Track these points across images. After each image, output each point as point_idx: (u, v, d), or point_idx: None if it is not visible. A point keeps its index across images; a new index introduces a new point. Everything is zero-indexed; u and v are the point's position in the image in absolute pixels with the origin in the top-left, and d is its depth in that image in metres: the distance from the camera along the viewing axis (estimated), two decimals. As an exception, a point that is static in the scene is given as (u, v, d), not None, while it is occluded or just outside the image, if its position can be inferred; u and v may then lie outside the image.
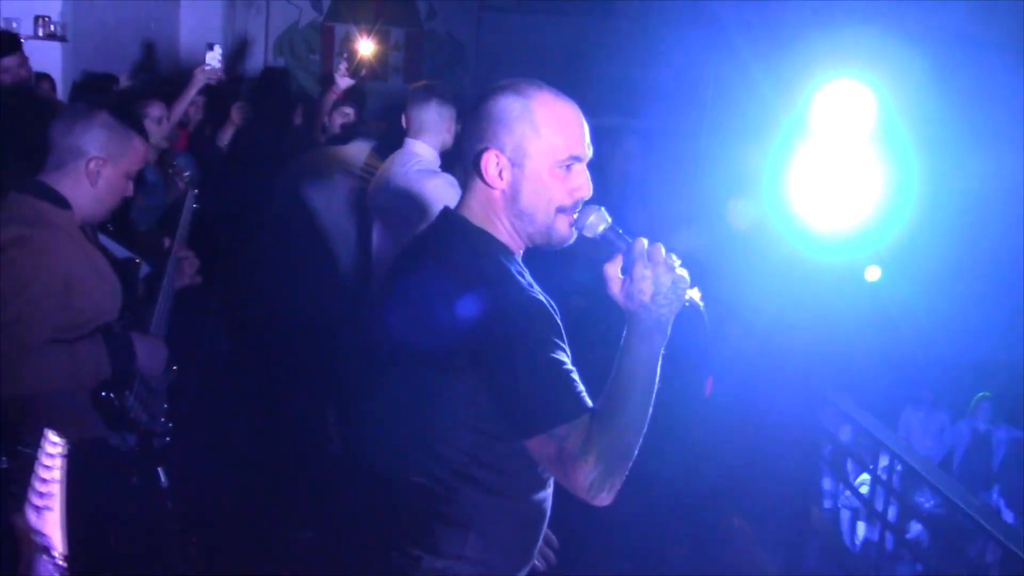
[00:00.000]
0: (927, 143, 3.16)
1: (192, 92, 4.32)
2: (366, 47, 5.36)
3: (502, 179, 1.72)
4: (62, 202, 2.43)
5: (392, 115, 4.25)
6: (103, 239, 2.70)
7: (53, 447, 1.49)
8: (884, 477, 3.48)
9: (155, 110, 4.05)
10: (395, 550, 1.75)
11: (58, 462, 1.49)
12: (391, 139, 3.75)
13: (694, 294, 1.70)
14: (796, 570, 3.81)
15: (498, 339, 1.61)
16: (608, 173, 4.32)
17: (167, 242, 2.78)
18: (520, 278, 1.71)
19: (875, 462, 3.60)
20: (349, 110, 5.00)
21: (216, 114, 5.43)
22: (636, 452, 1.65)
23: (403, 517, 1.75)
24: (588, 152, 1.76)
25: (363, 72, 5.27)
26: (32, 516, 1.44)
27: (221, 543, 3.41)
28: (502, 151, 1.72)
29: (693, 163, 4.24)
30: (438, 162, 3.42)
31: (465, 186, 1.80)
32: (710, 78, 4.17)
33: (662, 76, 4.73)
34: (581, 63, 7.31)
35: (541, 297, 1.70)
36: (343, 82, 4.94)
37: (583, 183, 1.75)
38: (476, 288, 1.64)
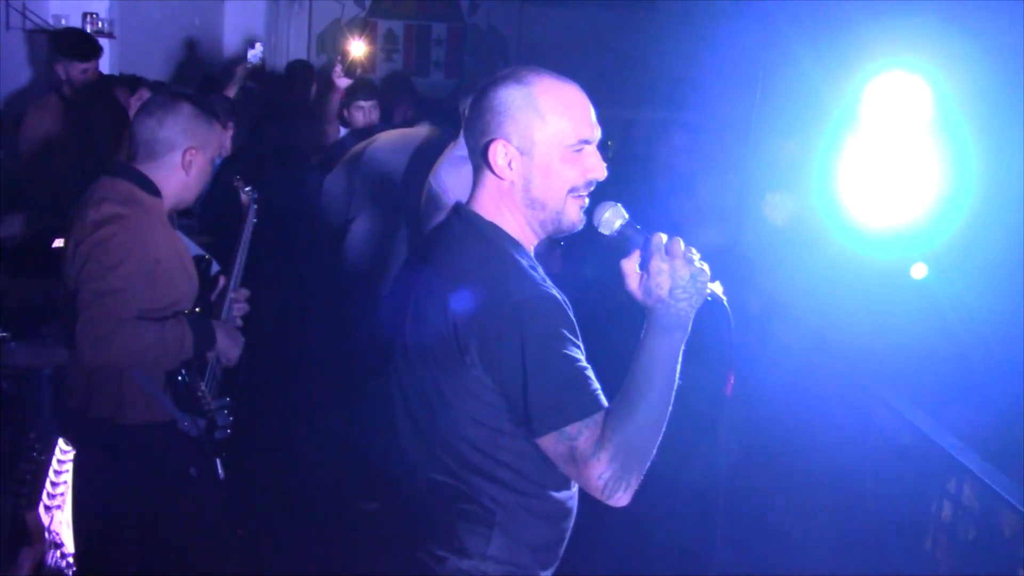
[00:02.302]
0: (986, 137, 3.06)
1: (235, 88, 4.37)
2: (358, 48, 5.48)
3: (512, 169, 1.71)
4: (153, 189, 2.55)
5: (437, 109, 4.26)
6: (180, 234, 2.78)
7: (64, 454, 1.60)
8: (954, 493, 3.36)
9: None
10: (420, 551, 1.73)
11: (68, 467, 1.59)
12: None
13: (716, 288, 1.67)
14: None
15: (507, 335, 1.59)
16: (655, 167, 4.27)
17: (222, 281, 2.81)
18: (533, 272, 1.68)
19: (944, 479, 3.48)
20: (364, 103, 5.05)
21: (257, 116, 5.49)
22: (654, 451, 1.62)
23: (426, 517, 1.74)
24: (597, 133, 1.74)
25: (358, 71, 5.37)
26: (44, 516, 1.52)
27: (267, 536, 3.43)
28: (509, 141, 1.70)
29: (741, 156, 4.17)
30: None
31: (474, 181, 1.78)
32: (758, 69, 4.09)
33: (708, 68, 4.66)
34: (625, 55, 7.26)
35: (554, 292, 1.67)
36: (340, 82, 5.04)
37: (595, 164, 1.73)
38: (486, 283, 1.63)
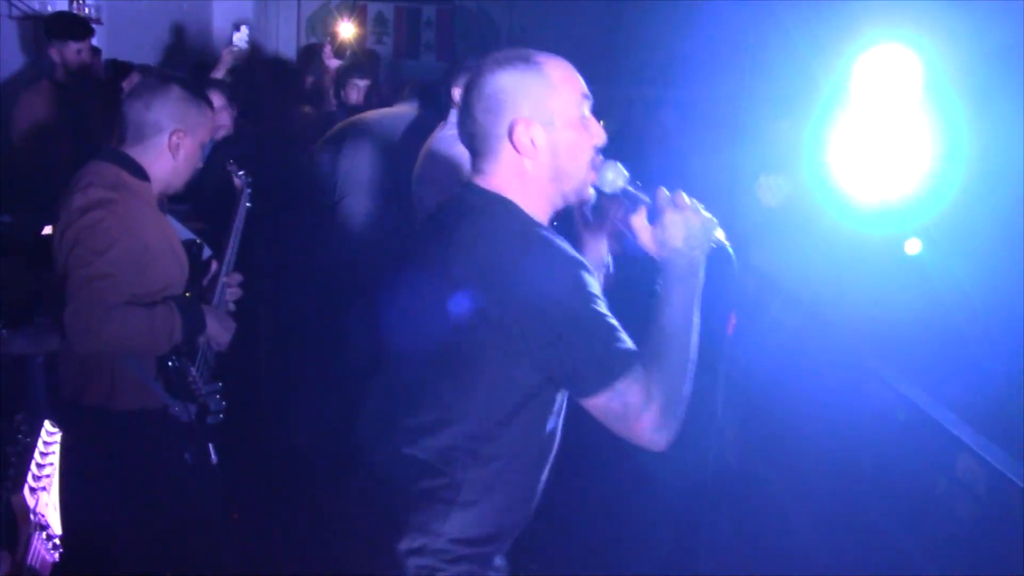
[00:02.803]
0: (978, 110, 3.05)
1: (221, 72, 4.33)
2: (347, 29, 5.50)
3: (535, 146, 1.72)
4: (141, 173, 2.54)
5: (427, 90, 4.24)
6: (170, 219, 2.75)
7: (50, 435, 1.61)
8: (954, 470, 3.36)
9: (216, 99, 4.11)
10: (383, 526, 1.75)
11: (55, 448, 1.60)
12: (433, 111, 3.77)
13: (719, 234, 1.76)
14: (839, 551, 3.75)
15: (549, 301, 1.61)
16: (645, 145, 4.26)
17: (215, 266, 2.79)
18: (556, 239, 1.71)
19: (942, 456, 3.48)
20: (359, 81, 5.06)
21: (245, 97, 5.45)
22: (687, 395, 1.68)
23: (390, 491, 1.76)
24: (591, 100, 1.79)
25: (347, 52, 5.45)
26: (30, 498, 1.53)
27: (263, 520, 3.43)
28: (530, 118, 1.71)
29: (731, 133, 4.16)
30: None
31: (482, 165, 1.78)
32: (748, 45, 4.07)
33: (698, 45, 4.64)
34: (615, 35, 7.22)
35: (579, 256, 1.71)
36: (330, 63, 5.15)
37: (598, 131, 1.79)
38: (518, 256, 1.64)
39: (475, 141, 1.77)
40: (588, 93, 1.79)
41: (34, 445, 1.57)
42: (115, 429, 2.58)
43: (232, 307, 2.82)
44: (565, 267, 1.66)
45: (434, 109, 3.80)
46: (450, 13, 8.21)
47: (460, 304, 1.64)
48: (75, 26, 4.27)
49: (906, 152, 3.29)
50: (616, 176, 1.78)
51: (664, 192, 1.75)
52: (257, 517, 3.43)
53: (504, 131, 1.73)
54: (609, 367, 1.63)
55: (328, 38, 5.44)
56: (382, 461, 1.79)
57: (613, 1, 7.58)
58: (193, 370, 2.59)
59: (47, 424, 1.62)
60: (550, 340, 1.63)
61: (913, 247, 3.62)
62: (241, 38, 4.24)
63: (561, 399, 1.79)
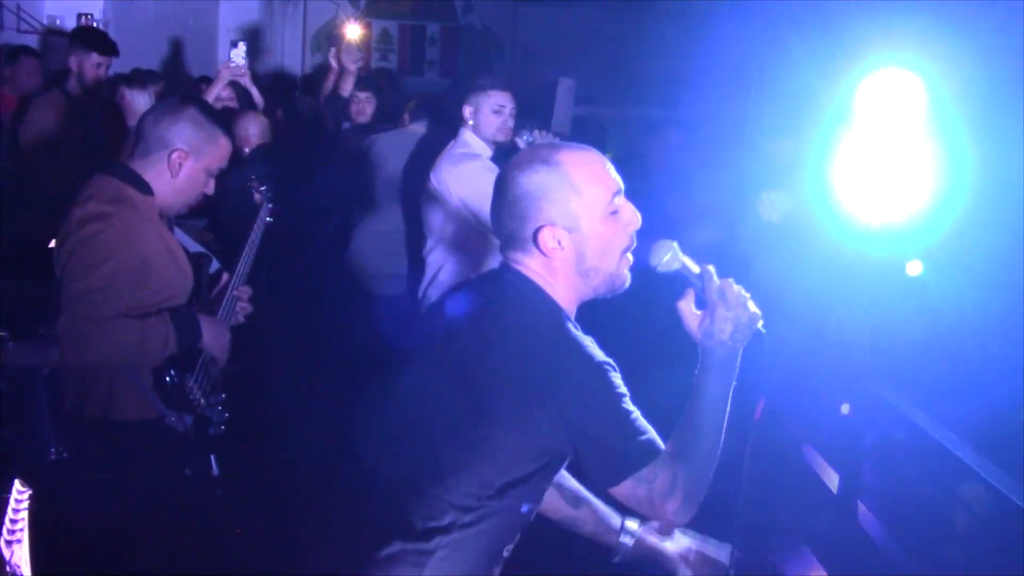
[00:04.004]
0: (981, 134, 3.07)
1: (217, 88, 4.36)
2: (353, 31, 5.58)
3: (563, 248, 1.76)
4: (144, 187, 2.53)
5: (436, 109, 4.28)
6: (177, 232, 2.76)
7: (21, 494, 1.67)
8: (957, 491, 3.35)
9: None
10: (370, 556, 1.78)
11: (25, 504, 1.66)
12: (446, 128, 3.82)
13: (759, 324, 1.79)
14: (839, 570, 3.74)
15: (580, 400, 1.68)
16: (650, 165, 4.29)
17: (224, 278, 2.80)
18: (587, 339, 1.75)
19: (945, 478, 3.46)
20: (360, 94, 5.14)
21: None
22: (711, 476, 1.75)
23: (376, 549, 1.78)
24: (621, 184, 1.80)
25: (361, 55, 5.54)
26: (5, 550, 1.59)
27: (265, 534, 3.42)
28: (554, 224, 1.74)
29: (736, 153, 4.18)
30: (489, 152, 3.58)
31: (514, 253, 1.81)
32: (753, 66, 4.10)
33: (703, 66, 4.67)
34: (620, 55, 7.26)
35: (607, 359, 1.75)
36: (352, 66, 5.23)
37: (631, 216, 1.80)
38: (555, 351, 1.70)
39: (507, 243, 1.81)
40: (618, 183, 1.79)
41: (7, 501, 1.62)
42: (114, 439, 2.58)
43: (242, 319, 2.82)
44: (595, 370, 1.70)
45: (445, 128, 3.83)
46: (455, 31, 8.27)
47: (489, 393, 1.69)
48: (101, 40, 4.32)
49: (909, 174, 3.31)
50: (672, 259, 1.79)
51: (715, 281, 1.76)
52: (260, 530, 3.42)
53: (530, 235, 1.76)
54: (635, 458, 1.69)
55: (344, 45, 5.48)
56: (374, 494, 1.84)
57: (618, 21, 7.63)
58: (191, 381, 2.58)
59: (17, 483, 1.70)
60: (578, 437, 1.69)
61: (914, 268, 3.64)
62: (239, 54, 4.26)
63: (546, 487, 1.85)
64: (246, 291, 2.84)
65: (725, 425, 1.75)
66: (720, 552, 2.06)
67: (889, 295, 3.69)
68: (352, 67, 5.25)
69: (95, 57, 4.24)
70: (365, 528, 1.84)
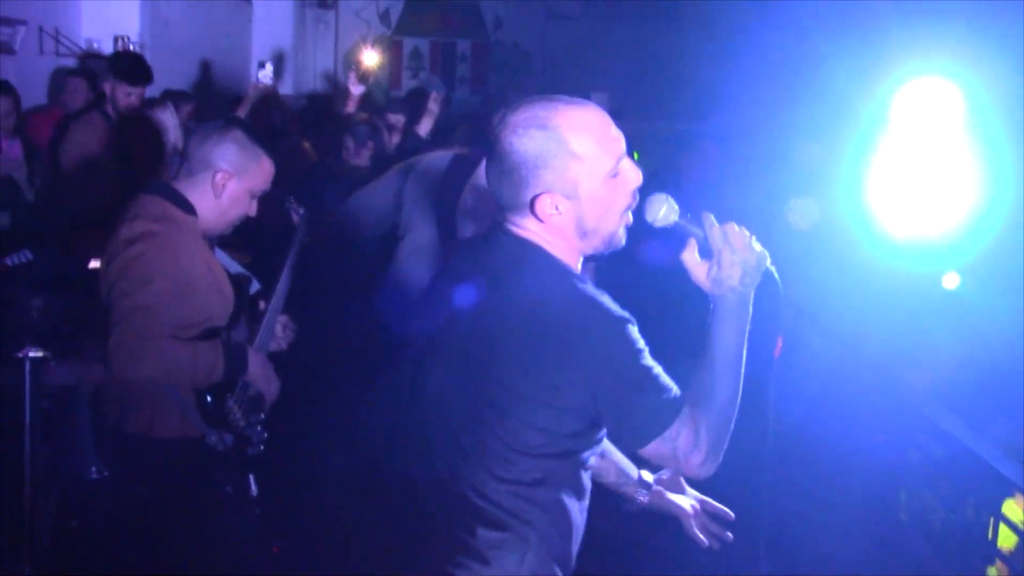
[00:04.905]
0: (1022, 143, 3.02)
1: (246, 108, 4.41)
2: (370, 58, 5.61)
3: (560, 214, 1.70)
4: (188, 207, 2.56)
5: (464, 124, 4.29)
6: (219, 253, 2.78)
7: None
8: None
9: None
10: (450, 566, 1.74)
11: None
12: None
13: (767, 263, 1.76)
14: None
15: (599, 357, 1.63)
16: (686, 179, 4.27)
17: (262, 304, 2.82)
18: (601, 296, 1.70)
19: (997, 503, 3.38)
20: (394, 117, 5.17)
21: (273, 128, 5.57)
22: (733, 422, 1.72)
23: (457, 541, 1.74)
24: (623, 143, 1.73)
25: (370, 79, 5.60)
26: None
27: (303, 553, 3.43)
28: (551, 190, 1.68)
29: (767, 162, 4.16)
30: None
31: (510, 219, 1.76)
32: (786, 77, 4.08)
33: (735, 77, 4.65)
34: (649, 69, 7.26)
35: (622, 312, 1.70)
36: (355, 89, 5.25)
37: (634, 176, 1.74)
38: (567, 312, 1.65)
39: (502, 200, 1.75)
40: (620, 144, 1.72)
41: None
42: (155, 457, 2.60)
43: (284, 346, 2.84)
44: (612, 326, 1.66)
45: (482, 143, 3.84)
46: (485, 47, 8.31)
47: (511, 367, 1.65)
48: (132, 69, 4.37)
49: (947, 186, 3.27)
50: (668, 212, 1.75)
51: (716, 227, 1.72)
52: (298, 550, 3.43)
53: (527, 201, 1.70)
54: (659, 419, 1.65)
55: (353, 67, 5.54)
56: (435, 499, 1.79)
57: (647, 34, 7.63)
58: (231, 401, 2.60)
59: None
60: (601, 398, 1.65)
61: (951, 282, 3.59)
62: (266, 75, 4.32)
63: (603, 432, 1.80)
64: (286, 323, 2.85)
65: (742, 370, 1.71)
66: (723, 508, 2.09)
67: (925, 308, 3.64)
68: (355, 90, 5.29)
69: (126, 87, 4.31)
70: (426, 533, 1.79)
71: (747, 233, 1.72)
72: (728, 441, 1.72)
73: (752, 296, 1.73)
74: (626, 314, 1.70)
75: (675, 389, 1.68)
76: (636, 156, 1.89)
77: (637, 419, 1.66)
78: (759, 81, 4.48)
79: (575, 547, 1.82)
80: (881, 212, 3.51)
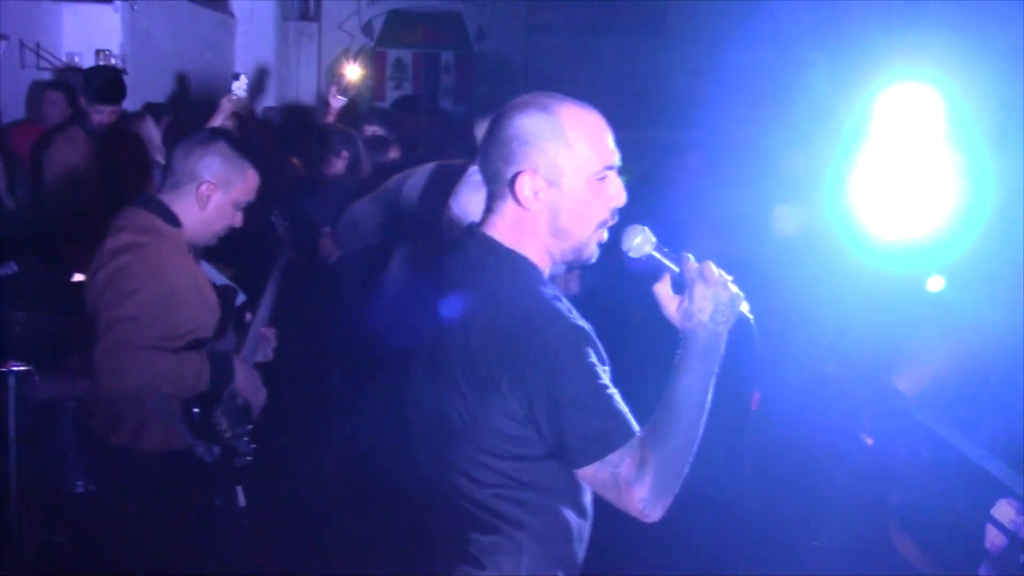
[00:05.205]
0: (1001, 147, 3.05)
1: (220, 119, 4.40)
2: (353, 71, 5.65)
3: (538, 199, 1.68)
4: (173, 219, 2.56)
5: (446, 136, 4.28)
6: (204, 265, 2.78)
7: None
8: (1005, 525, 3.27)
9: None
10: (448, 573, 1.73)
11: None
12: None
13: (744, 307, 1.71)
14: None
15: (540, 370, 1.59)
16: (670, 189, 4.28)
17: (248, 317, 2.81)
18: (559, 303, 1.68)
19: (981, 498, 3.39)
20: (378, 128, 5.18)
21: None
22: (687, 469, 1.65)
23: (451, 544, 1.73)
24: (617, 158, 1.73)
25: (352, 93, 5.65)
26: None
27: (292, 563, 3.41)
28: (536, 171, 1.67)
29: (751, 172, 4.18)
30: None
31: (489, 205, 1.76)
32: (769, 86, 4.10)
33: (717, 85, 4.68)
34: (633, 79, 7.29)
35: (581, 322, 1.67)
36: (336, 102, 5.35)
37: (617, 191, 1.72)
38: (516, 317, 1.62)
39: (489, 182, 1.75)
40: (614, 156, 1.71)
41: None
42: (142, 469, 2.59)
43: (271, 356, 2.83)
44: (562, 338, 1.61)
45: (469, 154, 3.84)
46: (468, 58, 8.33)
47: (467, 360, 1.63)
48: (105, 89, 4.36)
49: (929, 190, 3.30)
50: (644, 242, 1.71)
51: (692, 262, 1.69)
52: (287, 561, 3.41)
53: (509, 177, 1.69)
54: (600, 440, 1.59)
55: (335, 79, 5.57)
56: (427, 508, 1.78)
57: (629, 44, 7.67)
58: (218, 411, 2.59)
59: None
60: (543, 411, 1.60)
61: (936, 284, 3.61)
62: (240, 87, 4.31)
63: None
64: (271, 334, 2.85)
65: (705, 417, 1.65)
66: None
67: (910, 311, 3.66)
68: (335, 103, 5.36)
69: (99, 106, 4.32)
70: (422, 540, 1.79)
71: (724, 274, 1.69)
72: (675, 493, 1.63)
73: (725, 338, 1.68)
74: (585, 325, 1.66)
75: (626, 416, 1.62)
76: (624, 179, 1.88)
77: (575, 437, 1.59)
78: (742, 91, 4.51)
79: (579, 547, 1.79)
80: (866, 217, 3.53)
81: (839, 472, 3.83)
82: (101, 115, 4.35)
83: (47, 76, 5.81)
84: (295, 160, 5.01)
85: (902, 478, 3.73)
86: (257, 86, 7.43)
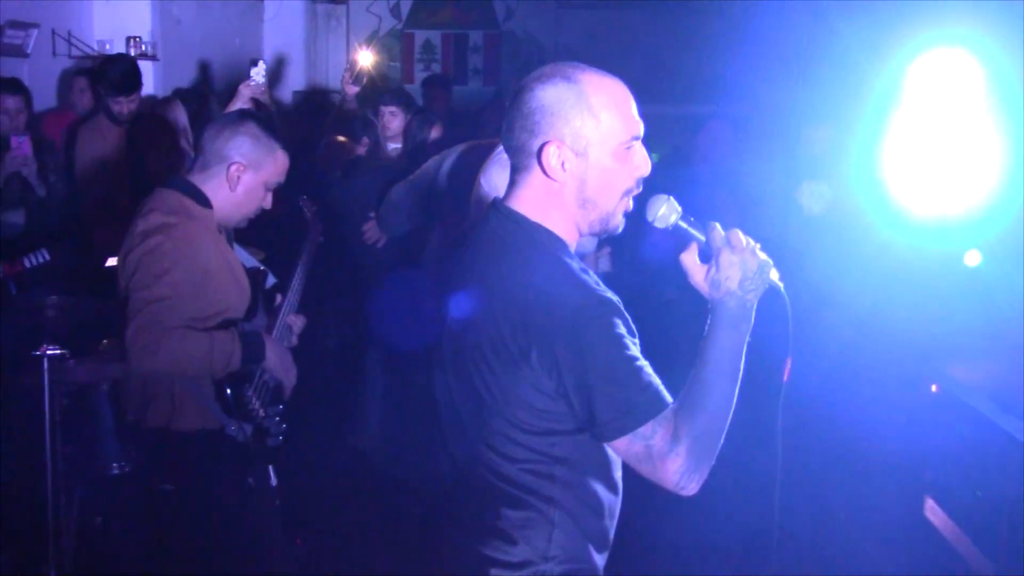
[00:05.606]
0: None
1: (238, 105, 4.40)
2: (365, 57, 5.63)
3: (565, 170, 1.67)
4: (204, 200, 2.58)
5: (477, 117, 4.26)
6: (236, 248, 2.80)
7: None
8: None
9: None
10: (481, 551, 1.73)
11: None
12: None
13: (774, 275, 1.68)
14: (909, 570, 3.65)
15: (569, 343, 1.58)
16: (696, 160, 4.24)
17: (278, 299, 2.82)
18: (586, 275, 1.67)
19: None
20: (385, 108, 5.21)
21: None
22: (722, 440, 1.63)
23: (482, 521, 1.73)
24: (642, 128, 1.71)
25: (365, 79, 5.58)
26: None
27: (324, 544, 3.44)
28: (563, 142, 1.66)
29: (783, 144, 4.11)
30: None
31: (515, 179, 1.74)
32: (798, 53, 4.02)
33: (747, 58, 4.60)
34: (662, 53, 7.21)
35: (609, 294, 1.66)
36: (350, 89, 5.37)
37: (643, 161, 1.71)
38: (543, 290, 1.61)
39: (514, 155, 1.73)
40: (639, 126, 1.70)
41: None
42: (177, 450, 2.62)
43: (295, 342, 2.84)
44: (590, 310, 1.60)
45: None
46: (496, 38, 8.27)
47: (496, 334, 1.62)
48: (121, 80, 4.40)
49: (967, 163, 3.20)
50: (669, 211, 1.70)
51: (719, 230, 1.67)
52: (320, 541, 3.44)
53: (535, 149, 1.67)
54: (632, 412, 1.58)
55: (348, 66, 5.56)
56: (457, 485, 1.78)
57: (658, 18, 7.58)
58: (250, 391, 2.60)
59: None
60: (573, 384, 1.60)
61: (973, 259, 3.54)
62: (258, 72, 4.31)
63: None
64: (300, 321, 2.86)
65: (737, 387, 1.63)
66: None
67: (946, 286, 3.59)
68: (350, 90, 5.36)
69: (117, 97, 4.36)
70: (454, 517, 1.79)
71: (752, 241, 1.67)
72: (711, 466, 1.62)
73: (754, 307, 1.66)
74: (613, 297, 1.65)
75: (658, 387, 1.61)
76: (656, 157, 1.85)
77: (606, 410, 1.58)
78: (773, 62, 4.44)
79: (610, 523, 1.78)
80: (900, 191, 3.46)
81: (871, 448, 3.78)
82: (120, 105, 4.39)
83: (82, 65, 5.86)
84: (341, 139, 5.02)
85: (938, 453, 3.67)
86: (276, 72, 7.44)
